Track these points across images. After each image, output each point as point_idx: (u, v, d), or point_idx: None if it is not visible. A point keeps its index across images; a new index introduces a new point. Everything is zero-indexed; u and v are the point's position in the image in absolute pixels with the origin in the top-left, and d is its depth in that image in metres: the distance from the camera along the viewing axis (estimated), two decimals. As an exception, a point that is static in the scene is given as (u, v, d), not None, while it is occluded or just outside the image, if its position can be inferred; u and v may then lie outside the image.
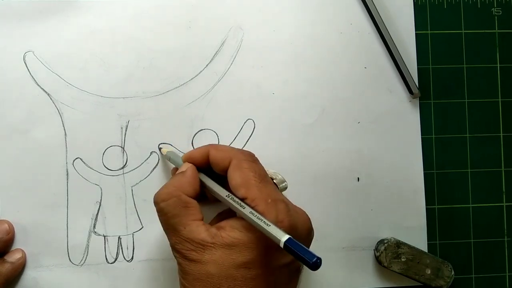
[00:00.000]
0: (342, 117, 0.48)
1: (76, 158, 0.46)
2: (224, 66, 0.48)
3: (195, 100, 0.47)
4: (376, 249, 0.47)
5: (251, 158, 0.40)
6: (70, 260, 0.46)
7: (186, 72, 0.47)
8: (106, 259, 0.46)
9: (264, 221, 0.35)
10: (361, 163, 0.48)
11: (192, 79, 0.47)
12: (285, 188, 0.42)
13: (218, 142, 0.47)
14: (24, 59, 0.46)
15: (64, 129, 0.46)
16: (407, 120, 0.49)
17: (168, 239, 0.39)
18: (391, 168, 0.48)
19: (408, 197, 0.48)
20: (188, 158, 0.42)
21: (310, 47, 0.48)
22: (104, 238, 0.46)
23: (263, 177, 0.39)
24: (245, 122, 0.48)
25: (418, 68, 0.49)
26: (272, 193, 0.38)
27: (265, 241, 0.36)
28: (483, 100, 0.50)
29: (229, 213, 0.40)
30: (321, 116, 0.48)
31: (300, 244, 0.33)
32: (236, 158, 0.39)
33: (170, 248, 0.46)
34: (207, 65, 0.48)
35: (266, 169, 0.40)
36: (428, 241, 0.48)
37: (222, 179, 0.40)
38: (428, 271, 0.47)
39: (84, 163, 0.46)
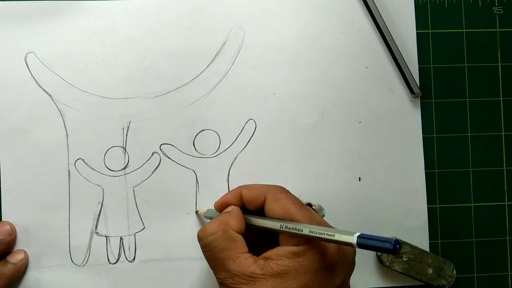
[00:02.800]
0: (343, 116, 0.48)
1: (78, 159, 0.46)
2: (225, 66, 0.48)
3: (197, 100, 0.47)
4: (378, 248, 0.47)
5: (285, 190, 0.41)
6: (72, 260, 0.46)
7: (187, 72, 0.47)
8: (108, 259, 0.46)
9: (328, 233, 0.35)
10: (362, 162, 0.48)
11: (193, 79, 0.47)
12: (323, 215, 0.43)
13: (220, 143, 0.47)
14: (25, 60, 0.46)
15: (66, 130, 0.46)
16: (408, 120, 0.49)
17: (216, 274, 0.39)
18: (393, 168, 0.48)
19: (410, 197, 0.48)
20: (221, 204, 0.42)
21: (311, 47, 0.48)
22: (106, 239, 0.46)
23: (302, 204, 0.40)
24: (246, 122, 0.48)
25: (419, 67, 0.49)
26: (314, 217, 0.38)
27: (316, 264, 0.36)
28: (484, 99, 0.50)
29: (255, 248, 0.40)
30: (322, 116, 0.48)
31: (372, 235, 0.33)
32: (270, 192, 0.40)
33: (171, 248, 0.46)
34: (208, 66, 0.48)
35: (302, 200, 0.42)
36: (429, 240, 0.48)
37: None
38: (430, 271, 0.47)
39: (86, 164, 0.46)
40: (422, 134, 0.49)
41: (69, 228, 0.46)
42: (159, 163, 0.47)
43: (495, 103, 0.50)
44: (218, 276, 0.38)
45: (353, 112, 0.48)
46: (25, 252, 0.45)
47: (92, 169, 0.46)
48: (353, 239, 0.33)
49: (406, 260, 0.46)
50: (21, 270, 0.45)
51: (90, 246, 0.46)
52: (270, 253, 0.37)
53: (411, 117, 0.49)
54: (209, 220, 0.43)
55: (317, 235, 0.35)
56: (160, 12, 0.47)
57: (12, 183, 0.46)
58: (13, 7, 0.46)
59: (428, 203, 0.49)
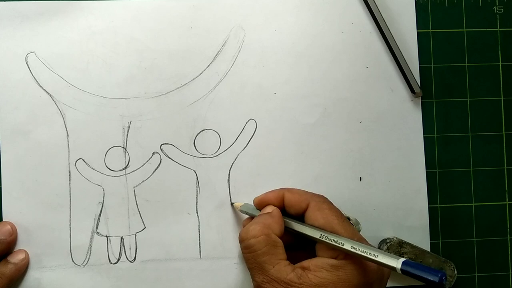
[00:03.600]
0: (344, 116, 0.48)
1: (79, 159, 0.46)
2: (226, 66, 0.48)
3: (197, 100, 0.47)
4: (379, 248, 0.47)
5: (328, 201, 0.41)
6: (73, 260, 0.46)
7: (187, 72, 0.47)
8: (109, 259, 0.46)
9: (371, 253, 0.35)
10: (363, 162, 0.48)
11: (193, 79, 0.47)
12: (360, 230, 0.43)
13: (220, 142, 0.47)
14: (26, 60, 0.46)
15: (66, 130, 0.46)
16: (409, 119, 0.49)
17: (253, 276, 0.39)
18: (393, 167, 0.48)
19: (411, 196, 0.48)
20: (261, 201, 0.43)
21: (311, 47, 0.48)
22: (107, 239, 0.46)
23: (344, 217, 0.40)
24: (247, 122, 0.48)
25: (420, 67, 0.49)
26: (355, 232, 0.39)
27: (355, 280, 0.36)
28: (485, 98, 0.50)
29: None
30: (323, 116, 0.48)
31: (418, 263, 0.33)
32: (314, 200, 0.40)
33: (172, 248, 0.46)
34: (208, 65, 0.48)
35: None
36: (430, 240, 0.48)
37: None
38: (431, 270, 0.46)
39: (87, 164, 0.46)
40: (423, 134, 0.49)
41: (70, 228, 0.46)
42: (160, 163, 0.47)
43: (496, 102, 0.50)
44: (256, 279, 0.38)
45: (354, 112, 0.48)
46: (26, 252, 0.45)
47: (93, 169, 0.46)
48: (397, 264, 0.33)
49: (407, 260, 0.46)
50: (22, 270, 0.45)
51: (91, 246, 0.46)
52: (309, 263, 0.38)
53: (412, 117, 0.49)
54: (245, 215, 0.44)
55: (360, 252, 0.35)
56: (161, 12, 0.47)
57: (13, 183, 0.46)
58: (13, 7, 0.47)
59: (429, 203, 0.49)
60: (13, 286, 0.45)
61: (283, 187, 0.44)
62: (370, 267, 0.37)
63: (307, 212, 0.40)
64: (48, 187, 0.46)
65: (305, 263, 0.38)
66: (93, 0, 0.47)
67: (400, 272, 0.33)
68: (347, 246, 0.36)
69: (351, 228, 0.39)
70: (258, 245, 0.38)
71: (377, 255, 0.34)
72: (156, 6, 0.47)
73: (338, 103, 0.48)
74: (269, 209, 0.42)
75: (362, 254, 0.35)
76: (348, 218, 0.43)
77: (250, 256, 0.39)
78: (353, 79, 0.48)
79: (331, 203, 0.41)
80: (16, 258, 0.45)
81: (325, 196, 0.43)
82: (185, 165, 0.47)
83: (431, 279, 0.31)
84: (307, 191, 0.43)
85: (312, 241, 0.39)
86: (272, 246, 0.38)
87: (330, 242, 0.37)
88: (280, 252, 0.38)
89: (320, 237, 0.38)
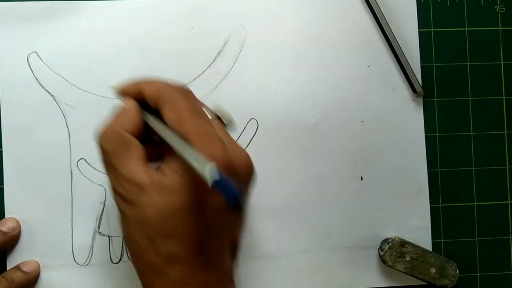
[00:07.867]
0: (345, 116, 0.48)
1: (80, 159, 0.46)
2: (227, 66, 0.48)
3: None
4: (380, 248, 0.47)
5: (187, 91, 0.37)
6: (75, 260, 0.46)
7: (189, 72, 0.47)
8: (111, 259, 0.46)
9: (190, 153, 0.31)
10: (364, 162, 0.48)
11: (195, 79, 0.47)
12: (232, 125, 0.38)
13: (221, 142, 0.47)
14: (28, 60, 0.47)
15: (68, 130, 0.47)
16: (410, 119, 0.49)
17: (109, 180, 0.35)
18: (395, 167, 0.48)
19: (412, 196, 0.48)
20: (122, 92, 0.37)
21: (312, 46, 0.48)
22: (109, 239, 0.46)
23: (197, 112, 0.34)
24: (248, 122, 0.48)
25: (421, 66, 0.49)
26: (207, 129, 0.33)
27: (203, 183, 0.30)
28: (487, 98, 0.50)
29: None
30: (324, 115, 0.48)
31: (225, 177, 0.29)
32: (166, 93, 0.35)
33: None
34: (210, 65, 0.48)
35: (213, 105, 0.38)
36: (432, 239, 0.48)
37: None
38: (433, 270, 0.46)
39: (88, 163, 0.46)
40: (425, 133, 0.49)
41: (71, 228, 0.46)
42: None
43: (498, 101, 0.50)
44: (110, 182, 0.35)
45: (355, 111, 0.48)
46: (37, 263, 0.45)
47: (95, 169, 0.46)
48: (205, 173, 0.29)
49: (409, 259, 0.46)
50: (32, 281, 0.45)
51: (93, 246, 0.46)
52: (164, 165, 0.34)
53: (413, 116, 0.49)
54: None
55: (181, 151, 0.31)
56: (162, 12, 0.47)
57: (15, 183, 0.46)
58: (15, 8, 0.47)
59: (430, 202, 0.49)
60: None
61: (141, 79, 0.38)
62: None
63: (162, 108, 0.34)
64: (50, 187, 0.46)
65: (162, 164, 0.34)
66: (95, 0, 0.47)
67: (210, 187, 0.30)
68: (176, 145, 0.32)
69: (202, 126, 0.33)
70: (108, 145, 0.34)
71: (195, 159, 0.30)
72: (157, 6, 0.47)
73: (339, 102, 0.48)
74: (126, 104, 0.36)
75: (185, 155, 0.31)
76: (219, 116, 0.38)
77: (103, 159, 0.35)
78: (354, 78, 0.48)
79: (189, 93, 0.36)
80: (28, 267, 0.45)
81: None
82: (186, 165, 0.47)
83: (228, 195, 0.29)
84: (164, 82, 0.36)
85: None
86: (123, 145, 0.34)
87: (169, 141, 0.33)
88: (133, 149, 0.34)
89: (167, 139, 0.33)
